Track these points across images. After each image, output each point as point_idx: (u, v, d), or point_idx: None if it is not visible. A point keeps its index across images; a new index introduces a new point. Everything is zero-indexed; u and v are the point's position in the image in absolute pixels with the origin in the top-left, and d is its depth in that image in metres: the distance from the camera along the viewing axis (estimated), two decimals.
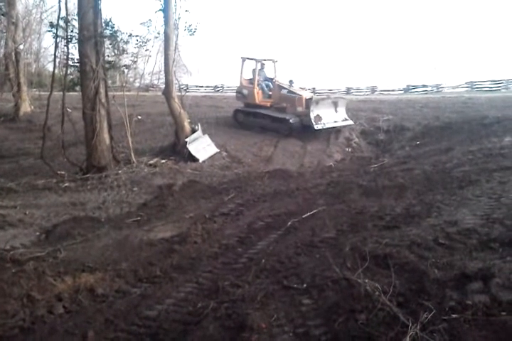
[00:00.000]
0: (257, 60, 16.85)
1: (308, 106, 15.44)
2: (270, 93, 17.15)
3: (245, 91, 17.15)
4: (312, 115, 15.09)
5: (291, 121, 15.68)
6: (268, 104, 16.88)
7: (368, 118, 18.36)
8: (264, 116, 16.61)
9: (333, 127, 15.77)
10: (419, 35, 77.18)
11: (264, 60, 17.23)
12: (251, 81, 17.17)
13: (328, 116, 15.65)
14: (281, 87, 16.80)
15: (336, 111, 16.03)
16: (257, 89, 16.78)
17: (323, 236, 5.54)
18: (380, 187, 8.06)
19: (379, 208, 6.55)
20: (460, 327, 2.86)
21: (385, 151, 14.61)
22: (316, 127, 15.11)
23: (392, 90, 33.35)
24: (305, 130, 15.82)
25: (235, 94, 18.30)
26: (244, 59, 17.12)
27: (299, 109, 15.95)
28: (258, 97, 16.83)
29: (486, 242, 4.30)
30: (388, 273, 3.74)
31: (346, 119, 16.24)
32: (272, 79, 17.52)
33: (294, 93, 16.35)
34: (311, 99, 16.14)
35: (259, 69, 17.14)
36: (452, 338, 2.78)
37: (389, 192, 7.65)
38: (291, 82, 17.15)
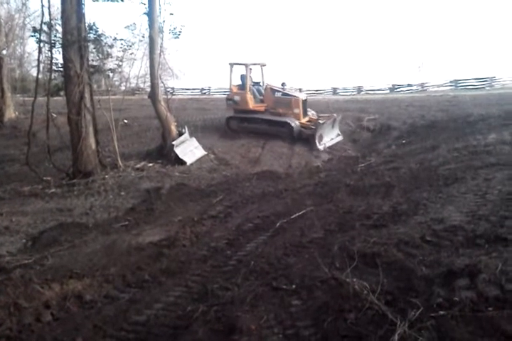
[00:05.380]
0: (246, 65, 16.52)
1: (315, 126, 15.56)
2: (261, 97, 16.91)
3: (237, 98, 16.70)
4: (316, 136, 15.16)
5: (292, 124, 15.49)
6: (262, 109, 16.60)
7: (354, 117, 18.52)
8: (260, 121, 16.35)
9: (330, 145, 15.84)
10: (404, 35, 77.82)
11: (254, 64, 16.90)
12: (240, 87, 16.89)
13: (328, 134, 15.82)
14: (274, 90, 16.49)
15: (332, 127, 16.11)
16: (249, 95, 16.46)
17: (312, 237, 5.55)
18: (367, 187, 8.10)
19: (366, 207, 6.59)
20: (448, 324, 2.87)
21: (372, 150, 14.70)
22: (320, 148, 15.20)
23: (378, 90, 33.71)
24: (302, 138, 15.77)
25: (225, 101, 17.78)
26: (232, 64, 16.75)
27: (296, 110, 15.89)
28: (251, 102, 16.50)
29: (472, 239, 4.34)
30: (376, 272, 3.76)
31: (339, 134, 16.45)
32: (259, 83, 17.38)
33: (289, 95, 16.22)
34: (305, 100, 16.30)
35: (246, 74, 16.81)
36: (440, 335, 2.80)
37: (376, 191, 7.69)
38: (283, 84, 16.83)
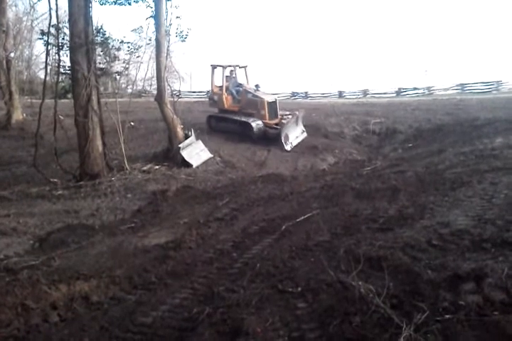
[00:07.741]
0: (223, 67, 17.20)
1: (281, 124, 16.13)
2: (240, 98, 17.43)
3: (216, 97, 17.59)
4: (282, 136, 15.63)
5: (253, 124, 15.97)
6: (236, 109, 17.22)
7: (360, 121, 18.53)
8: (232, 121, 16.99)
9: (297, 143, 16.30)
10: (410, 38, 77.63)
11: (231, 65, 17.55)
12: (221, 87, 17.51)
13: (293, 133, 16.32)
14: (247, 92, 17.04)
15: (296, 124, 16.59)
16: (225, 95, 17.15)
17: (318, 240, 5.55)
18: (373, 190, 8.09)
19: (372, 211, 6.57)
20: (453, 328, 2.87)
21: (378, 154, 14.69)
22: (287, 149, 15.65)
23: (384, 93, 33.57)
24: (268, 138, 16.24)
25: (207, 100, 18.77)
26: (214, 66, 17.48)
27: (262, 112, 16.36)
28: (227, 103, 17.24)
29: (479, 243, 4.33)
30: (382, 275, 3.75)
31: (303, 131, 16.95)
32: (242, 84, 17.83)
33: (257, 97, 16.64)
34: (274, 102, 16.74)
35: (229, 76, 17.58)
36: (446, 339, 2.79)
37: (382, 194, 7.68)
38: (257, 86, 17.42)
